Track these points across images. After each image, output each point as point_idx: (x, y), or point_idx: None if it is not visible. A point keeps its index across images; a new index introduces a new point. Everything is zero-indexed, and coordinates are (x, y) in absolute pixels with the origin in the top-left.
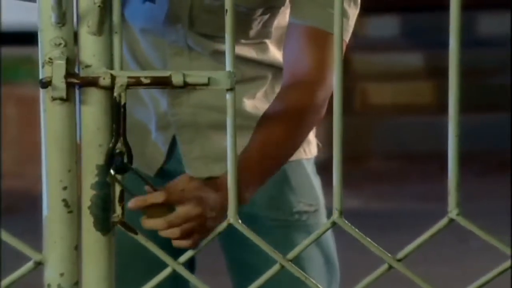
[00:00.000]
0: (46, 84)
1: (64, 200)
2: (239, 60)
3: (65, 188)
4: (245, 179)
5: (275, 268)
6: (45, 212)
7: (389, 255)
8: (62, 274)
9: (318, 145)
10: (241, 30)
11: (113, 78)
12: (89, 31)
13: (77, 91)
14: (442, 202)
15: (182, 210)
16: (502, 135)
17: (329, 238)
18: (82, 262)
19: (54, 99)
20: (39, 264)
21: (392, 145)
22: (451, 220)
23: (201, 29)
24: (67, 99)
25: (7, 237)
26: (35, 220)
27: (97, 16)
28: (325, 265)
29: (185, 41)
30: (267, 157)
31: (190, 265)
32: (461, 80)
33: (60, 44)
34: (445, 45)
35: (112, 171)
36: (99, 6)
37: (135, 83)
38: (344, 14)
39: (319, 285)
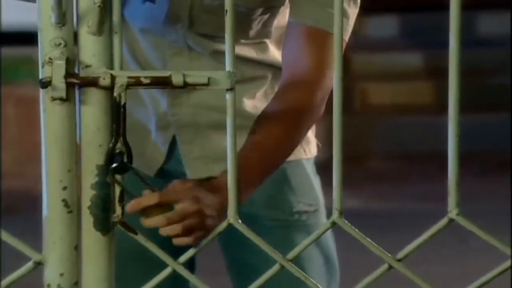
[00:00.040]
0: (46, 84)
1: (64, 200)
2: (239, 60)
3: (65, 188)
4: (241, 179)
5: (275, 268)
6: (45, 212)
7: (389, 255)
8: (62, 274)
9: (318, 145)
10: (241, 30)
11: (113, 78)
12: (89, 31)
13: (77, 91)
14: (442, 202)
15: (179, 207)
16: (502, 135)
17: (329, 238)
18: (82, 262)
19: (54, 99)
20: (39, 264)
21: (392, 145)
22: (451, 220)
23: (201, 29)
24: (67, 99)
25: (7, 237)
26: (35, 220)
27: (97, 16)
28: (325, 265)
29: (185, 41)
30: (264, 156)
31: (190, 265)
32: (461, 80)
33: (60, 44)
34: (445, 45)
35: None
36: (99, 6)
37: (135, 83)
38: (343, 13)
39: (318, 285)
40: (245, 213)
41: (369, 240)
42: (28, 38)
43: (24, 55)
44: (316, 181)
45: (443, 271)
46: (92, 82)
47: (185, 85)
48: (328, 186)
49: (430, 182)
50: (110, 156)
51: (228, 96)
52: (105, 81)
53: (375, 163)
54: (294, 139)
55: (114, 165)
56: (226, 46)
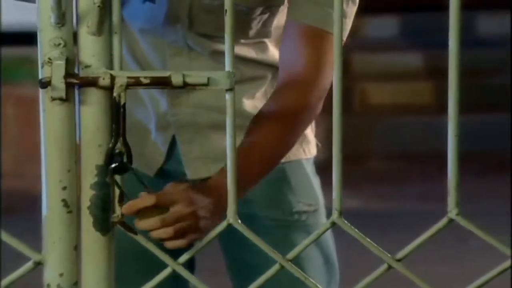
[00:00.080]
0: (45, 84)
1: (63, 200)
2: (239, 60)
3: (64, 188)
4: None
5: (275, 268)
6: (44, 212)
7: (389, 255)
8: (61, 274)
9: (317, 145)
10: (241, 30)
11: (112, 78)
12: (88, 31)
13: (76, 91)
14: (442, 202)
15: (174, 209)
16: (502, 135)
17: (329, 238)
18: (82, 262)
19: (53, 99)
20: (38, 264)
21: (392, 145)
22: (451, 220)
23: (200, 29)
24: (67, 99)
25: (6, 238)
26: (34, 220)
27: (97, 16)
28: (324, 265)
29: (184, 41)
30: (260, 156)
31: (190, 265)
32: (460, 80)
33: (59, 44)
34: (444, 45)
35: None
36: (98, 6)
37: (135, 83)
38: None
39: (318, 285)
40: (244, 213)
41: (369, 240)
42: (27, 38)
43: (23, 55)
44: (315, 181)
45: (442, 271)
46: (92, 82)
47: (185, 85)
48: (328, 186)
49: (430, 182)
50: (110, 156)
51: (227, 96)
52: (104, 81)
53: (375, 163)
54: (290, 139)
55: (114, 165)
56: (226, 46)
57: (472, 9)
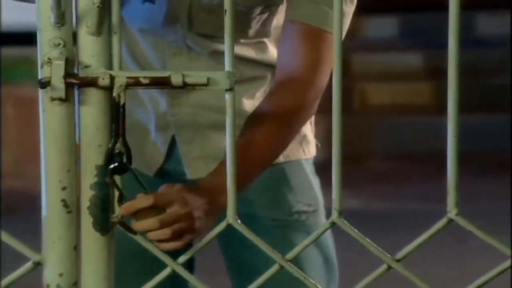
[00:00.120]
0: (45, 84)
1: (63, 200)
2: (238, 60)
3: (64, 188)
4: (224, 182)
5: (274, 268)
6: (44, 212)
7: (388, 255)
8: (61, 274)
9: (317, 145)
10: (240, 29)
11: (112, 78)
12: (88, 32)
13: (76, 91)
14: (442, 202)
15: (171, 210)
16: (502, 135)
17: (328, 238)
18: (81, 262)
19: (53, 99)
20: (38, 265)
21: (392, 145)
22: (450, 220)
23: (200, 29)
24: (66, 99)
25: (6, 238)
26: (34, 220)
27: (96, 17)
28: (324, 265)
29: (184, 41)
30: (255, 155)
31: (189, 265)
32: (460, 80)
33: (59, 44)
34: (444, 45)
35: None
36: (98, 6)
37: (134, 83)
38: None
39: (318, 285)
40: (244, 213)
41: (368, 240)
42: (27, 38)
43: (23, 55)
44: (315, 181)
45: (442, 271)
46: (91, 82)
47: (185, 85)
48: (327, 186)
49: (430, 182)
50: (110, 156)
51: (227, 96)
52: (104, 81)
53: (375, 163)
54: (285, 138)
55: (113, 165)
56: (226, 46)
57: (472, 9)
